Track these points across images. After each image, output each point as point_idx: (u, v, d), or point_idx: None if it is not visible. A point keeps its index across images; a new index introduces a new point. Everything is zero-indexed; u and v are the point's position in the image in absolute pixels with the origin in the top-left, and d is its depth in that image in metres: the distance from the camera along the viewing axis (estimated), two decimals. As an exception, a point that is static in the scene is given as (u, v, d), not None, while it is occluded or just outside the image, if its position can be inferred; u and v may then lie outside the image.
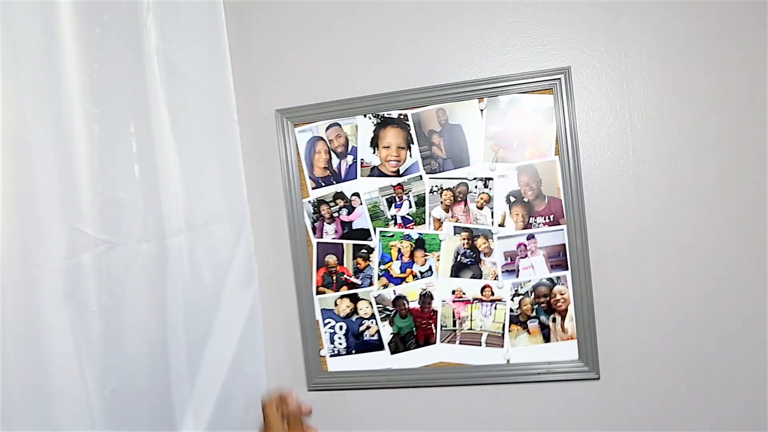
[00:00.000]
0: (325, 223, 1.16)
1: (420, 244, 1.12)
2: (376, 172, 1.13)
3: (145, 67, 1.06)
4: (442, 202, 1.11)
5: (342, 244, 1.16)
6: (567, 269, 1.07)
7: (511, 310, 1.10)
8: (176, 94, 1.09)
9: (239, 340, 1.11)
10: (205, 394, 1.08)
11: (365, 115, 1.13)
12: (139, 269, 0.99)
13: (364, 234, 1.15)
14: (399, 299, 1.14)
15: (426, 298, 1.13)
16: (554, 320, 1.08)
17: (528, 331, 1.10)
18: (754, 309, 1.04)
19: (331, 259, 1.16)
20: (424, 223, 1.12)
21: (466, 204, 1.10)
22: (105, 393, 0.95)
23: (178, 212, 1.05)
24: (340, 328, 1.17)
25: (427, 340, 1.14)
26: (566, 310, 1.08)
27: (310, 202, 1.16)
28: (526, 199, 1.08)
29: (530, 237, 1.08)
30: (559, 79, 1.04)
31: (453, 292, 1.12)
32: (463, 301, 1.12)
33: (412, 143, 1.11)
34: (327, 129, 1.15)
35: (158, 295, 1.03)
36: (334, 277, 1.16)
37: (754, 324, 1.04)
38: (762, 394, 1.04)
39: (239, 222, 1.13)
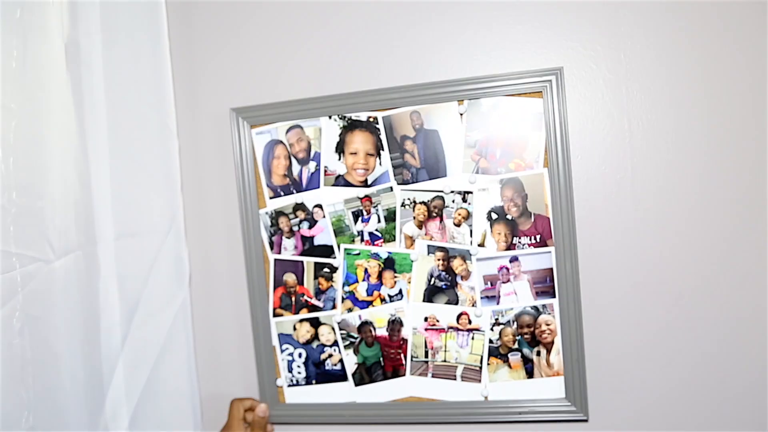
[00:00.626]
0: (283, 238, 1.04)
1: (389, 264, 1.01)
2: (341, 181, 1.01)
3: (73, 60, 0.97)
4: (414, 218, 0.99)
5: (302, 261, 1.04)
6: (554, 297, 0.96)
7: (491, 341, 0.99)
8: (110, 96, 1.02)
9: (156, 361, 1.03)
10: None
11: (330, 117, 1.01)
12: (51, 288, 0.91)
13: (327, 251, 1.03)
14: (365, 325, 1.03)
15: (395, 324, 1.01)
16: (539, 354, 0.97)
17: (509, 365, 0.98)
18: (762, 345, 0.93)
19: (289, 278, 1.04)
20: (394, 240, 1.00)
21: (441, 220, 0.98)
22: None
23: (86, 226, 1.00)
24: (299, 355, 1.05)
25: (396, 371, 1.02)
26: (552, 342, 0.97)
27: (267, 213, 1.04)
28: (509, 217, 0.96)
29: (513, 259, 0.96)
30: (550, 80, 0.93)
31: (425, 319, 1.00)
32: (436, 329, 1.00)
33: (382, 150, 1.00)
34: (287, 131, 1.02)
35: (74, 316, 0.96)
36: (293, 299, 1.04)
37: (759, 362, 0.93)
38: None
39: (160, 236, 1.03)
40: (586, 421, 0.97)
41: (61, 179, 0.92)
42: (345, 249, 1.02)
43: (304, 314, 1.04)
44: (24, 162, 0.84)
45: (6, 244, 0.82)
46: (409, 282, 1.00)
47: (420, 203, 0.99)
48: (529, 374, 0.98)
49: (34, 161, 0.86)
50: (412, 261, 1.00)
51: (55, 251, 0.91)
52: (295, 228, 1.03)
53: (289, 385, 1.06)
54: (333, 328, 1.04)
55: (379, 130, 0.99)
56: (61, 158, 0.93)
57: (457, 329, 0.99)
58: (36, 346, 0.87)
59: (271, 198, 1.04)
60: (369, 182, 1.00)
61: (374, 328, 1.02)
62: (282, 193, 1.03)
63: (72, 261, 0.95)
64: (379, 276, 1.01)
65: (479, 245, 0.98)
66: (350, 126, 1.00)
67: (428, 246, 0.99)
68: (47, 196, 0.89)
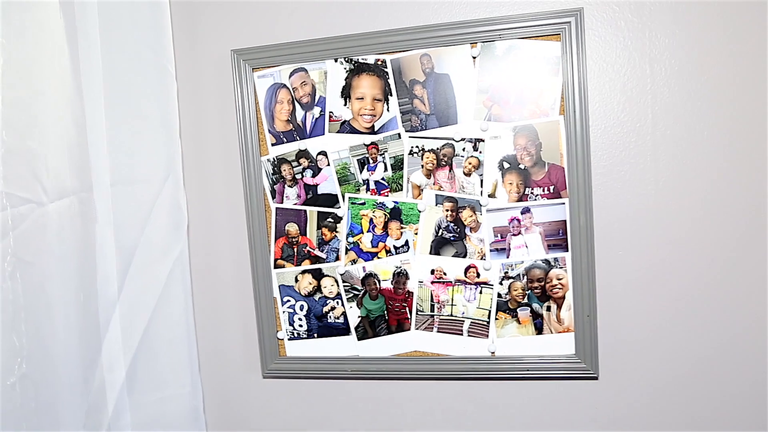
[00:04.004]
0: (286, 186, 1.00)
1: (395, 214, 0.97)
2: (347, 127, 0.97)
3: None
4: (423, 166, 0.95)
5: (305, 211, 1.00)
6: (567, 250, 0.92)
7: (499, 296, 0.95)
8: (105, 36, 0.98)
9: (153, 311, 1.01)
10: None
11: (336, 60, 0.96)
12: (45, 232, 0.87)
13: (331, 200, 0.99)
14: (369, 277, 0.99)
15: (400, 277, 0.98)
16: (549, 309, 0.94)
17: (518, 321, 0.95)
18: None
19: (292, 228, 1.01)
20: (401, 189, 0.97)
21: (451, 169, 0.94)
22: (9, 382, 0.81)
23: (81, 171, 0.96)
24: (301, 307, 1.02)
25: (400, 325, 1.00)
26: (563, 297, 0.93)
27: (269, 160, 1.00)
28: (522, 166, 0.92)
29: (525, 211, 0.93)
30: (569, 22, 0.88)
31: (432, 272, 0.97)
32: (443, 282, 0.97)
33: (390, 95, 0.95)
34: (291, 75, 0.98)
35: (69, 262, 0.93)
36: (295, 249, 1.01)
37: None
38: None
39: (157, 184, 1.00)
40: (596, 379, 0.94)
41: (54, 120, 0.88)
42: (350, 198, 0.98)
43: (307, 266, 1.01)
44: (14, 101, 0.80)
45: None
46: (416, 233, 0.97)
47: (429, 151, 0.95)
48: (539, 330, 0.95)
49: (24, 100, 0.82)
50: (420, 211, 0.96)
51: (48, 194, 0.87)
52: (298, 176, 1.00)
53: (290, 338, 1.03)
54: (336, 281, 1.01)
55: (387, 74, 0.95)
56: (54, 99, 0.89)
57: (465, 283, 0.96)
58: (29, 292, 0.84)
59: (273, 144, 1.00)
60: (376, 129, 0.96)
61: (379, 281, 0.99)
62: (285, 140, 0.99)
63: (66, 206, 0.91)
64: (385, 227, 0.98)
65: (490, 196, 0.94)
66: (357, 69, 0.96)
67: (436, 196, 0.95)
68: (39, 137, 0.85)
